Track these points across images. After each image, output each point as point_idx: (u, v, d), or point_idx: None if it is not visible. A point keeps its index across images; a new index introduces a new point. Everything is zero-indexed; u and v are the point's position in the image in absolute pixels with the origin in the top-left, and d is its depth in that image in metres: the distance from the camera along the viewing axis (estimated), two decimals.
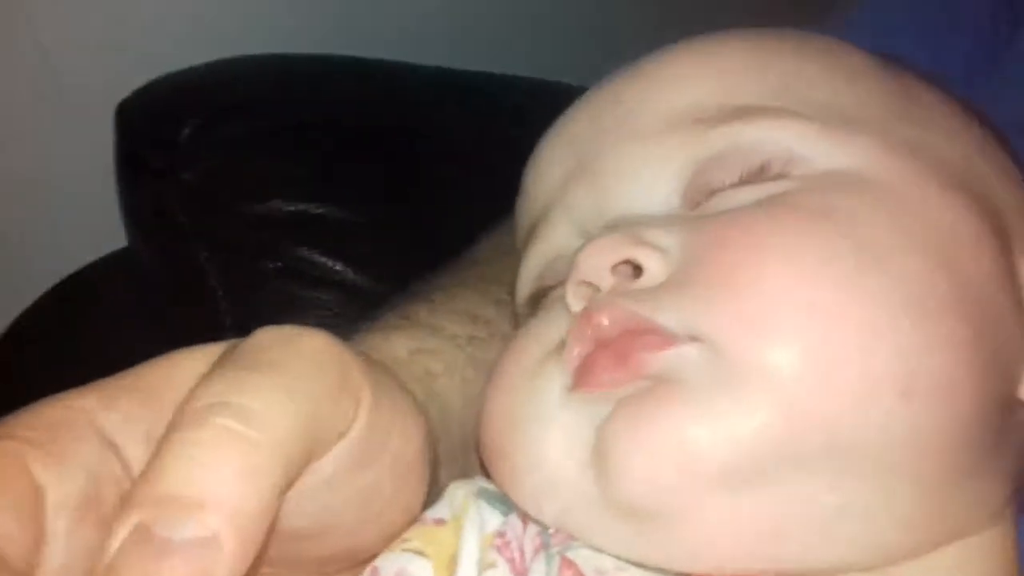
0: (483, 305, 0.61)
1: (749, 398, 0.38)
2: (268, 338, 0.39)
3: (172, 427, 0.34)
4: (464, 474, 0.51)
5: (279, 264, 0.78)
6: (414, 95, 0.92)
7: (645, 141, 0.45)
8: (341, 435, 0.39)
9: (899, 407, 0.39)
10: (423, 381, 0.54)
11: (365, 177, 0.86)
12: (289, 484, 0.35)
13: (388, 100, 0.89)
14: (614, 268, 0.42)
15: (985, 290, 0.42)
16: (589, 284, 0.43)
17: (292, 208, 0.83)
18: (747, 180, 0.43)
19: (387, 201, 0.84)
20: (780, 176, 0.43)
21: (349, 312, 0.77)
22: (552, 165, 0.50)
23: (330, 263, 0.81)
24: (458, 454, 0.53)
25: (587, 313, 0.42)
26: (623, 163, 0.45)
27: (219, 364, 0.38)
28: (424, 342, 0.55)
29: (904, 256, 0.40)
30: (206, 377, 0.37)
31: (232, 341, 0.42)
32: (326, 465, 0.38)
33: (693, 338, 0.39)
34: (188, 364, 0.40)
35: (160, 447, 0.34)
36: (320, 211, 0.82)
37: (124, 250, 0.86)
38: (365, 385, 0.40)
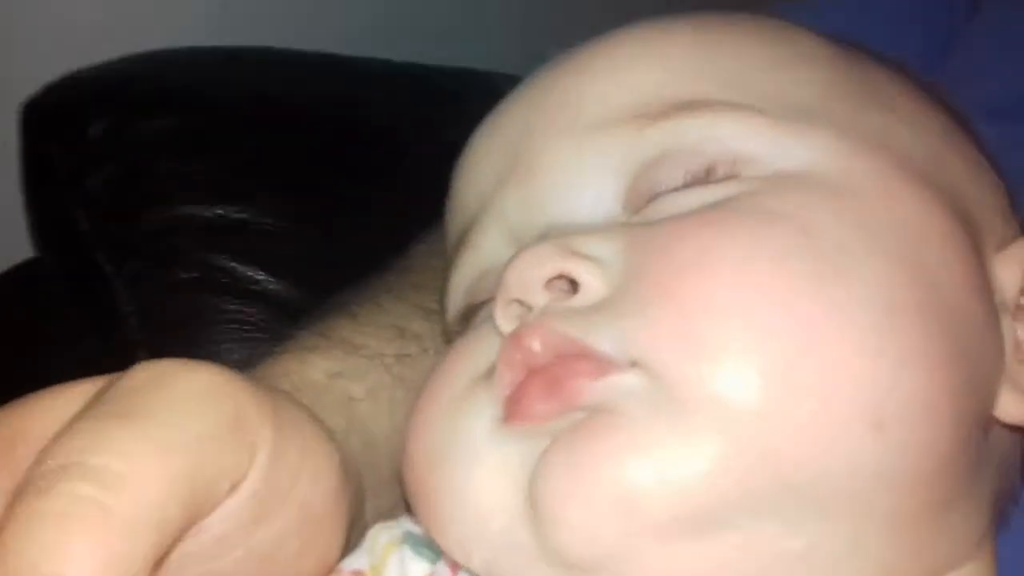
0: (413, 317, 0.56)
1: (697, 434, 0.35)
2: (144, 377, 0.36)
3: (20, 493, 0.30)
4: (395, 506, 0.48)
5: (193, 275, 0.73)
6: (342, 88, 0.87)
7: (581, 139, 0.42)
8: (233, 487, 0.35)
9: (870, 440, 0.35)
10: (344, 408, 0.50)
11: (288, 178, 0.81)
12: (162, 553, 0.32)
13: (313, 94, 0.85)
14: (547, 284, 0.39)
15: (958, 298, 0.39)
16: (520, 302, 0.39)
17: (207, 213, 0.78)
18: (693, 182, 0.39)
19: (312, 204, 0.80)
20: (729, 177, 0.39)
21: (272, 326, 0.72)
22: (482, 165, 0.47)
23: (250, 272, 0.77)
24: (387, 486, 0.49)
25: (517, 336, 0.38)
26: (556, 164, 0.42)
27: (84, 410, 0.34)
28: (344, 363, 0.51)
29: (868, 264, 0.37)
30: (66, 427, 0.33)
31: (108, 377, 0.37)
32: (214, 524, 0.35)
33: (632, 364, 0.36)
34: (53, 407, 0.36)
35: (4, 519, 0.29)
36: (238, 216, 0.77)
37: (33, 261, 0.80)
38: (264, 426, 0.37)
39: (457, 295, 0.47)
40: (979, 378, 0.38)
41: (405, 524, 0.43)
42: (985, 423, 0.39)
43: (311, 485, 0.39)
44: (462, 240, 0.47)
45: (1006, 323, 0.40)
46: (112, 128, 0.78)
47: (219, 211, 0.75)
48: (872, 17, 0.65)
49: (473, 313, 0.46)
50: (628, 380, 0.35)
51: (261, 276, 0.74)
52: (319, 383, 0.49)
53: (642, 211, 0.40)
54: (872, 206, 0.38)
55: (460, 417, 0.39)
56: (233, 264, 0.74)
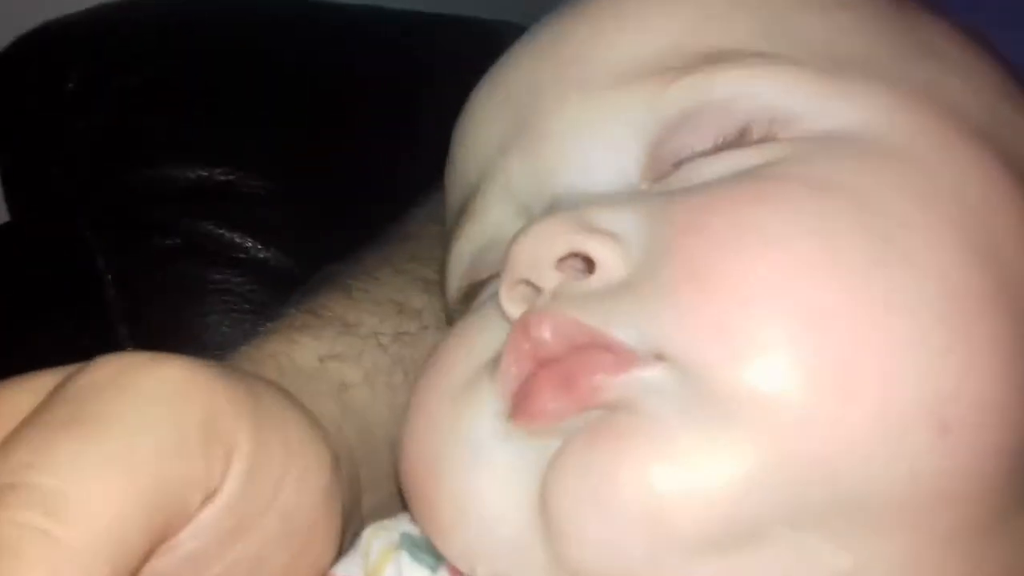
0: (411, 291, 0.53)
1: (733, 438, 0.31)
2: (102, 375, 0.33)
3: None
4: (394, 500, 0.44)
5: (175, 241, 0.69)
6: (337, 40, 0.82)
7: (595, 98, 0.38)
8: (207, 499, 0.32)
9: (933, 445, 0.31)
10: (337, 394, 0.46)
11: (277, 135, 0.76)
12: None
13: (304, 44, 0.80)
14: (559, 263, 0.35)
15: None
16: (528, 283, 0.35)
17: (192, 174, 0.73)
18: (724, 146, 0.35)
19: (304, 166, 0.75)
20: (765, 140, 0.35)
21: (261, 297, 0.68)
22: (485, 127, 0.43)
23: (238, 239, 0.72)
24: (386, 478, 0.46)
25: (525, 323, 0.34)
26: (567, 126, 0.38)
27: (35, 413, 0.30)
28: (337, 345, 0.47)
29: (933, 244, 0.33)
30: (13, 435, 0.30)
31: (66, 370, 0.33)
32: (187, 541, 0.32)
33: (658, 357, 0.32)
34: (3, 404, 0.33)
35: None
36: (225, 178, 0.72)
37: (5, 227, 0.76)
38: (241, 428, 0.34)
39: (458, 271, 0.43)
40: None
41: (402, 525, 0.40)
42: None
43: (297, 490, 0.36)
44: (463, 210, 0.43)
45: None
46: (89, 81, 0.73)
47: (203, 172, 0.70)
48: None
49: (476, 292, 0.42)
50: (653, 375, 0.32)
51: (249, 243, 0.70)
52: (309, 367, 0.46)
53: (665, 179, 0.36)
54: (933, 173, 0.34)
55: (461, 414, 0.36)
56: (219, 230, 0.70)
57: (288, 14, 0.81)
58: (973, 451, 0.32)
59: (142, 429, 0.31)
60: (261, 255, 0.70)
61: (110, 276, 0.68)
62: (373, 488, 0.44)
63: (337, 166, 0.73)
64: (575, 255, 0.34)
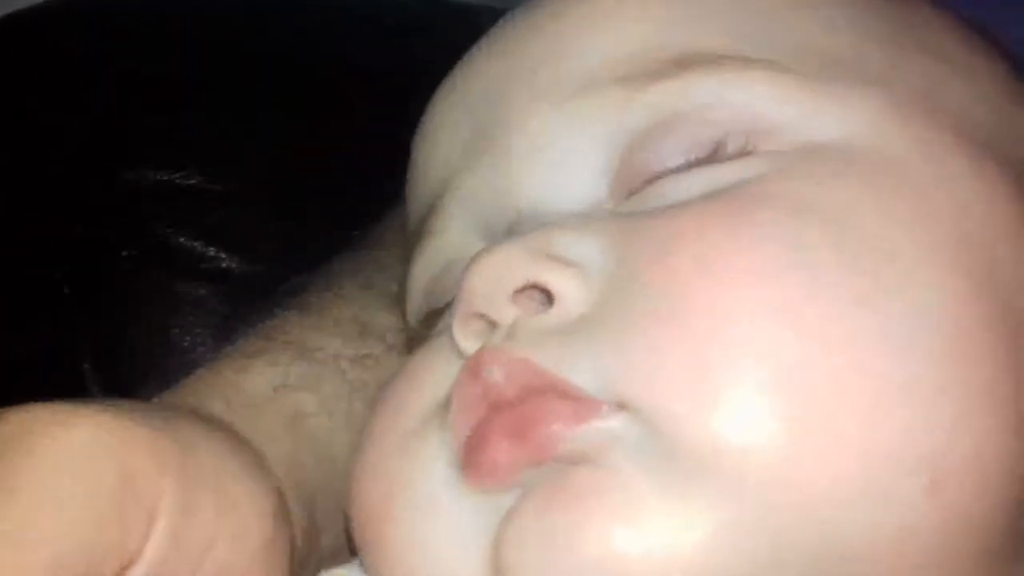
0: (377, 308, 0.50)
1: (704, 497, 0.29)
2: (6, 435, 0.31)
3: None
4: None
5: (133, 251, 0.66)
6: (318, 28, 0.78)
7: (560, 106, 0.35)
8: (126, 565, 0.31)
9: (923, 503, 0.28)
10: (291, 426, 0.44)
11: (244, 139, 0.72)
12: None
13: (279, 36, 0.76)
14: (515, 295, 0.32)
15: None
16: (483, 317, 0.32)
17: (155, 178, 0.69)
18: (697, 160, 0.33)
19: (277, 169, 0.71)
20: (743, 153, 0.32)
21: (226, 308, 0.65)
22: (445, 136, 0.40)
23: (204, 249, 0.68)
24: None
25: (475, 365, 0.32)
26: (531, 137, 0.35)
27: None
28: (292, 372, 0.45)
29: (925, 274, 0.30)
30: None
31: None
32: None
33: (620, 405, 0.29)
34: None
35: None
36: (191, 182, 0.69)
37: None
38: (166, 486, 0.32)
39: (418, 292, 0.40)
40: None
41: (354, 572, 0.38)
42: None
43: (231, 548, 0.34)
44: (423, 226, 0.40)
45: None
46: (48, 79, 0.70)
47: (162, 176, 0.67)
48: None
49: (437, 316, 0.39)
50: (615, 426, 0.29)
51: (216, 253, 0.67)
52: (261, 398, 0.43)
53: (636, 197, 0.33)
54: (930, 191, 0.32)
55: (412, 462, 0.33)
56: (180, 238, 0.67)
57: (264, 8, 0.77)
58: (968, 508, 0.29)
59: (46, 499, 0.29)
60: (230, 266, 0.67)
61: (68, 289, 0.65)
62: (334, 521, 0.42)
63: (308, 169, 0.70)
64: (533, 286, 0.31)
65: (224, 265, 0.67)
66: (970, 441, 0.29)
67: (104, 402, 0.33)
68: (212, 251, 0.67)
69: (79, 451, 0.30)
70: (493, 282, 0.32)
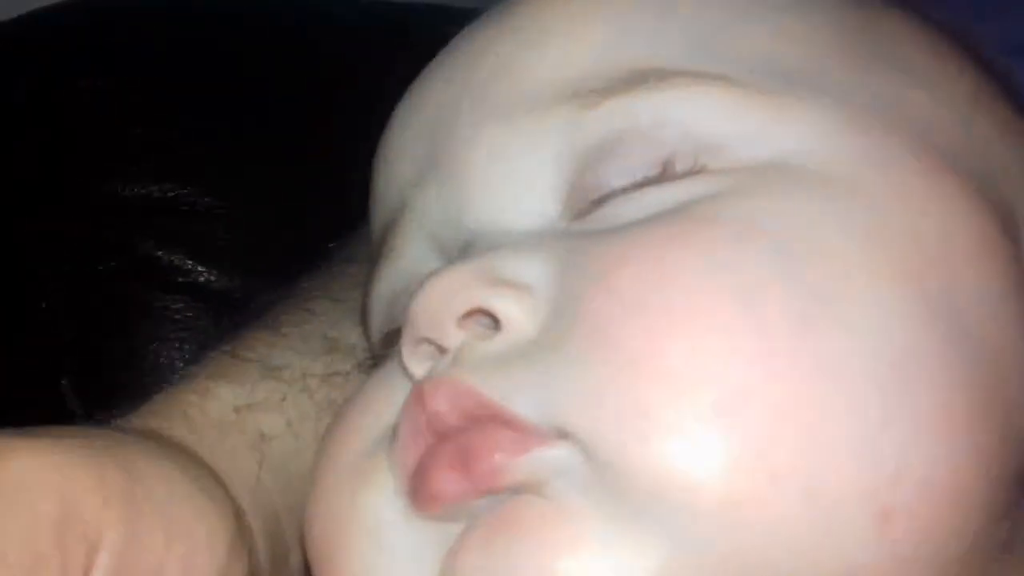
0: (347, 325, 0.49)
1: (645, 530, 0.28)
2: None
3: None
4: None
5: (111, 264, 0.65)
6: (305, 45, 0.77)
7: (512, 124, 0.34)
8: None
9: (872, 534, 0.28)
10: (255, 447, 0.44)
11: (231, 153, 0.71)
12: None
13: (266, 53, 0.75)
14: (462, 320, 0.31)
15: (992, 325, 0.31)
16: (431, 341, 0.32)
17: (132, 191, 0.68)
18: (646, 180, 0.32)
19: (259, 184, 0.70)
20: (693, 173, 0.32)
21: (204, 322, 0.65)
22: (403, 152, 0.39)
23: (184, 263, 0.68)
24: None
25: (419, 393, 0.31)
26: (483, 155, 0.35)
27: None
28: (257, 392, 0.45)
29: (874, 298, 0.29)
30: None
31: None
32: None
33: (562, 435, 0.29)
34: None
35: None
36: (171, 194, 0.68)
37: None
38: (109, 517, 0.32)
39: (378, 310, 0.40)
40: (1016, 422, 0.31)
41: None
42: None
43: (182, 573, 0.34)
44: (382, 245, 0.40)
45: None
46: (27, 92, 0.70)
47: (140, 189, 0.67)
48: None
49: (397, 335, 0.39)
50: (558, 455, 0.29)
51: (197, 267, 0.66)
52: (224, 420, 0.43)
53: (587, 215, 0.33)
54: (883, 209, 0.31)
55: (361, 490, 0.33)
56: (160, 252, 0.66)
57: (250, 24, 0.77)
58: (921, 537, 0.28)
59: None
60: (204, 278, 0.66)
61: (45, 302, 0.65)
62: (299, 543, 0.42)
63: (290, 184, 0.69)
64: (480, 311, 0.31)
65: (204, 279, 0.66)
66: (920, 469, 0.28)
67: (49, 430, 0.33)
68: (192, 265, 0.66)
69: (17, 484, 0.30)
70: (439, 307, 0.31)
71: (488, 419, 0.30)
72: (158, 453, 0.36)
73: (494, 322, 0.31)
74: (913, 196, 0.31)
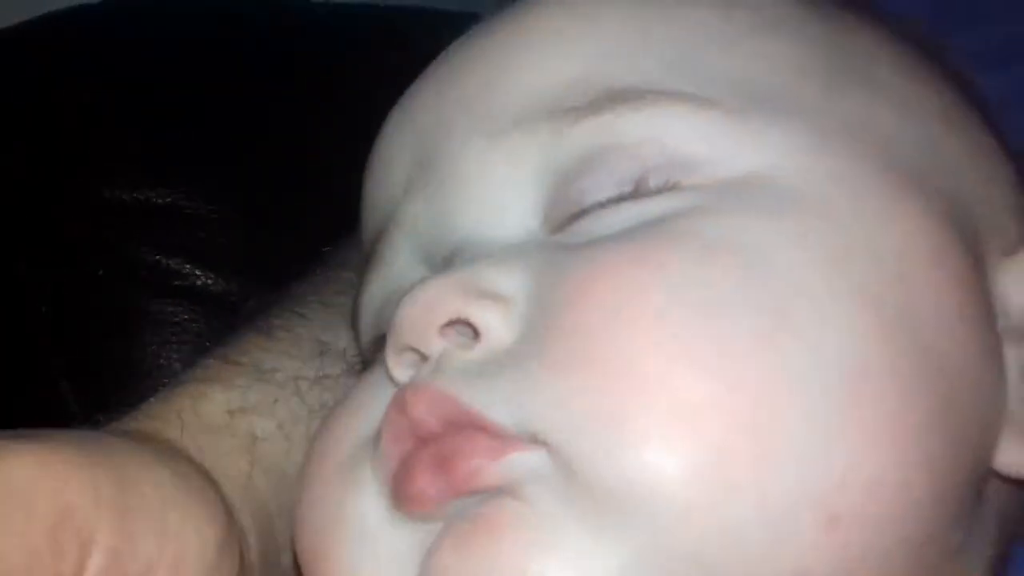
0: (339, 329, 0.51)
1: (610, 532, 0.29)
2: None
3: None
4: None
5: (111, 269, 0.66)
6: (297, 41, 0.79)
7: (496, 137, 0.36)
8: None
9: (819, 539, 0.29)
10: (248, 449, 0.45)
11: (224, 157, 0.72)
12: None
13: (258, 50, 0.76)
14: (444, 329, 0.33)
15: (948, 339, 0.33)
16: (414, 349, 0.34)
17: (125, 196, 0.70)
18: (622, 196, 0.33)
19: (256, 187, 0.71)
20: (667, 189, 0.33)
21: (201, 326, 0.66)
22: (393, 163, 0.41)
23: (180, 267, 0.69)
24: None
25: (401, 399, 0.33)
26: (469, 169, 0.36)
27: None
28: (249, 395, 0.46)
29: (831, 313, 0.31)
30: None
31: None
32: None
33: (534, 441, 0.30)
34: None
35: None
36: (167, 199, 0.69)
37: None
38: (101, 519, 0.33)
39: (368, 317, 0.41)
40: (971, 434, 0.32)
41: None
42: (980, 481, 0.33)
43: (172, 573, 0.35)
44: (372, 252, 0.41)
45: (1011, 353, 0.34)
46: (24, 97, 0.71)
47: (138, 195, 0.68)
48: None
49: (385, 342, 0.40)
50: (531, 460, 0.30)
51: (195, 271, 0.67)
52: (217, 422, 0.44)
53: (566, 228, 0.34)
54: (845, 226, 0.32)
55: (347, 493, 0.34)
56: (157, 256, 0.67)
57: (242, 30, 0.78)
58: (868, 541, 0.29)
59: None
60: (201, 282, 0.67)
61: (44, 307, 0.66)
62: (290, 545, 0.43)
63: (283, 187, 0.70)
64: (460, 321, 0.32)
65: (200, 283, 0.67)
66: (867, 478, 0.29)
67: (43, 434, 0.34)
68: (188, 269, 0.67)
69: (11, 486, 0.31)
70: (422, 317, 0.33)
71: (466, 425, 0.31)
72: (150, 456, 0.37)
73: (474, 332, 0.32)
74: (875, 215, 0.32)
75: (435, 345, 0.33)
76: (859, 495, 0.29)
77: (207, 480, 0.40)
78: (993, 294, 0.34)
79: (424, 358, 0.33)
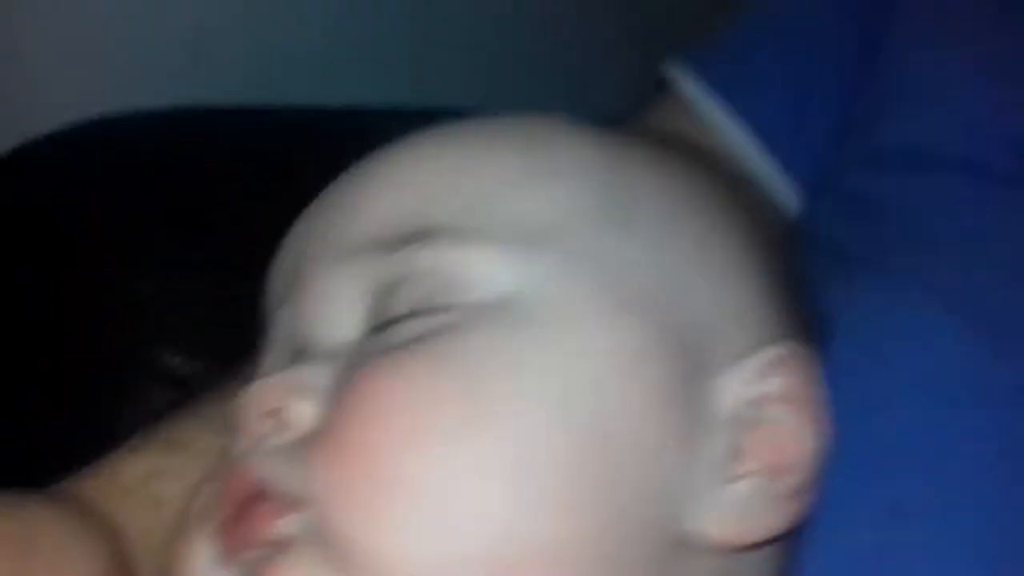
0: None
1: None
2: None
3: None
4: None
5: (85, 352, 0.73)
6: (275, 134, 0.86)
7: (340, 262, 0.44)
8: None
9: None
10: (152, 511, 0.51)
11: (199, 238, 0.79)
12: None
13: (238, 142, 0.83)
14: (267, 415, 0.41)
15: (629, 435, 0.39)
16: (246, 430, 0.42)
17: (109, 279, 0.77)
18: (413, 312, 0.41)
19: (228, 269, 0.74)
20: (444, 308, 0.41)
21: (164, 405, 0.72)
22: (280, 268, 0.49)
23: (153, 351, 0.76)
24: None
25: (225, 471, 0.41)
26: (317, 288, 0.44)
27: None
28: (161, 462, 0.53)
29: (526, 416, 0.38)
30: None
31: None
32: None
33: (305, 504, 0.38)
34: None
35: None
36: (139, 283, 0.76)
37: None
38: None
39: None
40: (645, 505, 0.39)
41: None
42: (675, 545, 0.39)
43: None
44: (259, 349, 0.49)
45: (713, 444, 0.40)
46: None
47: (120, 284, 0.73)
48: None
49: None
50: (301, 522, 0.38)
51: (167, 356, 0.73)
52: (126, 487, 0.52)
53: (376, 336, 0.42)
54: (556, 342, 0.39)
55: (191, 551, 0.42)
56: (129, 339, 0.73)
57: (229, 116, 0.84)
58: None
59: None
60: (180, 368, 0.72)
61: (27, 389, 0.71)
62: None
63: (248, 267, 0.74)
64: (280, 409, 0.41)
65: (177, 368, 0.72)
66: (536, 541, 0.36)
67: None
68: (166, 355, 0.73)
69: None
70: (253, 405, 0.41)
71: (259, 492, 0.39)
72: (55, 514, 0.45)
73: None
74: (580, 327, 0.39)
75: (260, 427, 0.41)
76: (529, 555, 0.37)
77: (110, 537, 0.47)
78: (712, 395, 0.40)
79: (254, 438, 0.41)
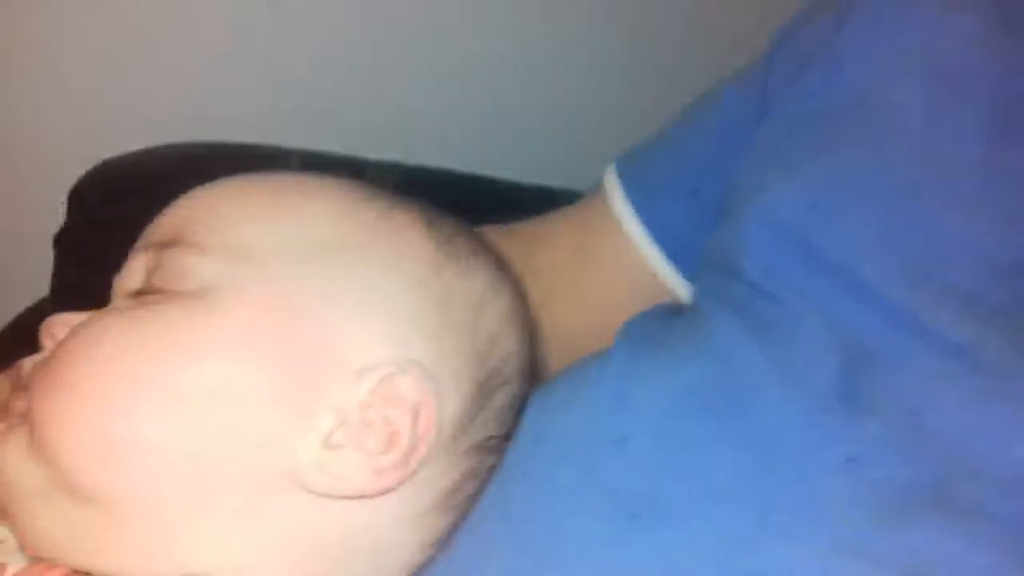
0: None
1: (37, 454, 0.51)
2: None
3: None
4: None
5: None
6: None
7: (142, 250, 0.57)
8: None
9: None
10: None
11: None
12: None
13: None
14: (51, 336, 0.55)
15: (242, 392, 0.50)
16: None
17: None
18: (157, 289, 0.53)
19: None
20: (168, 289, 0.53)
21: None
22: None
23: None
24: None
25: (14, 373, 0.56)
26: (131, 260, 0.57)
27: None
28: None
29: (170, 354, 0.51)
30: None
31: None
32: None
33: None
34: None
35: None
36: None
37: None
38: None
39: None
40: (245, 449, 0.50)
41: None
42: (278, 482, 0.50)
43: None
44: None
45: (327, 420, 0.50)
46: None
47: None
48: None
49: None
50: (25, 405, 0.52)
51: None
52: None
53: (133, 300, 0.54)
54: (211, 319, 0.51)
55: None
56: None
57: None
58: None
59: None
60: None
61: None
62: None
63: None
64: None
65: None
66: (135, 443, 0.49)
67: None
68: None
69: None
70: (44, 329, 0.54)
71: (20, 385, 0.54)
72: None
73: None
74: (236, 323, 0.51)
75: (44, 344, 0.54)
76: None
77: None
78: (328, 390, 0.50)
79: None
